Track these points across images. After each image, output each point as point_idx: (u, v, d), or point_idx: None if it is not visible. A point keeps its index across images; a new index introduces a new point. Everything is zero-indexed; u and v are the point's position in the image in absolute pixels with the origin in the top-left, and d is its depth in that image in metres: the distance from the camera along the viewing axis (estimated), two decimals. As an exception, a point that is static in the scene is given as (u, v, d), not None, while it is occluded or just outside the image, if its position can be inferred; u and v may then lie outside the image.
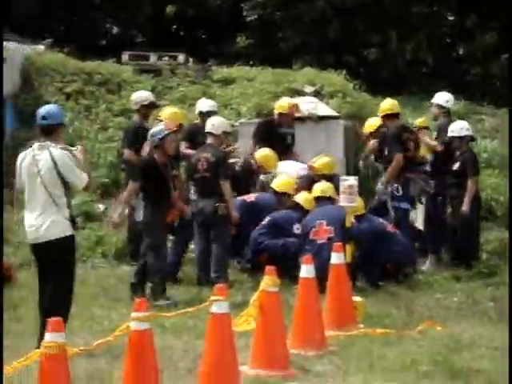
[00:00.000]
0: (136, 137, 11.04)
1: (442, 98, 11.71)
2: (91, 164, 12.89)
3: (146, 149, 9.99)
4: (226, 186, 9.88)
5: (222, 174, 9.90)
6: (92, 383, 6.38)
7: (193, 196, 10.23)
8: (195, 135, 11.20)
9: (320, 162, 10.99)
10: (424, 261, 11.02)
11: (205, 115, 11.40)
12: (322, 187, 10.33)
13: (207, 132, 10.25)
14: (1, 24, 12.77)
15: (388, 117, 11.20)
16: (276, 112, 11.80)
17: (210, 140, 10.21)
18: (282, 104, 11.81)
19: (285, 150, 11.59)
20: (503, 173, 12.91)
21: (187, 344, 7.45)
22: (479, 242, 11.06)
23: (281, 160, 11.33)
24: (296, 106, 11.91)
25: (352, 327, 7.98)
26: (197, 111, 11.77)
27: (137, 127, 11.21)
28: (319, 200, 10.25)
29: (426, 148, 11.46)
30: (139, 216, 9.53)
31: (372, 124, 11.52)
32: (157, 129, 9.47)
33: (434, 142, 11.42)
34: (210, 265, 9.85)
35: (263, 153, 11.27)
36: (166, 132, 9.37)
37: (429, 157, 11.43)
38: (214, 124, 10.28)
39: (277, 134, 11.56)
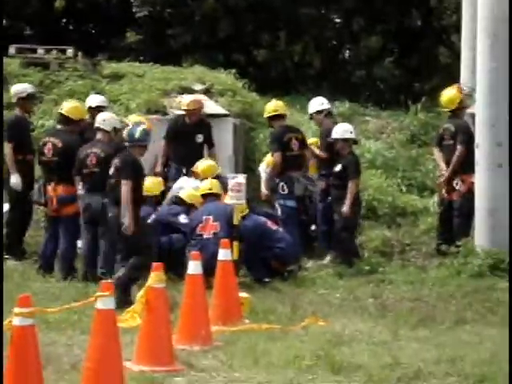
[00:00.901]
0: (15, 130, 10.98)
1: (316, 103, 11.91)
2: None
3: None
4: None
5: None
6: (-27, 380, 6.28)
7: (80, 191, 10.16)
8: (84, 131, 11.12)
9: (202, 167, 11.08)
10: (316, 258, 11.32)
11: (94, 110, 11.34)
12: (208, 185, 10.47)
13: (97, 127, 10.19)
14: (0, 24, 12.59)
15: (273, 118, 11.41)
16: (182, 110, 11.82)
17: (99, 136, 10.15)
18: (184, 101, 11.81)
19: (196, 149, 11.55)
20: (386, 173, 13.28)
21: (71, 339, 7.42)
22: (355, 241, 11.33)
23: (195, 160, 11.22)
24: (199, 102, 11.87)
25: (238, 323, 8.10)
26: (86, 106, 11.68)
27: (15, 120, 11.14)
28: (206, 197, 10.36)
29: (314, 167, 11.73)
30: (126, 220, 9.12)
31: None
32: (140, 129, 9.33)
33: (322, 153, 11.66)
34: (96, 261, 9.81)
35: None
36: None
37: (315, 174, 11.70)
38: (104, 120, 10.24)
39: (185, 133, 11.54)
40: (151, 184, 10.68)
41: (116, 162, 9.31)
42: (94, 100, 11.77)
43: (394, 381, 6.52)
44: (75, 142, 10.34)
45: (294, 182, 11.10)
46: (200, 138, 11.73)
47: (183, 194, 10.57)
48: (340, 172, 11.15)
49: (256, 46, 17.77)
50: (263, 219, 10.43)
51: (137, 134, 9.30)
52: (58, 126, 10.66)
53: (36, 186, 10.78)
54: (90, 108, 11.54)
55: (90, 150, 10.03)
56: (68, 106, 10.60)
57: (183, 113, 11.96)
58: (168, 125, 11.86)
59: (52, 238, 10.32)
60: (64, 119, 10.46)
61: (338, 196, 11.14)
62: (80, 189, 10.15)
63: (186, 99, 11.93)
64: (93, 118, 11.08)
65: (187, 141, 11.51)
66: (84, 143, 10.60)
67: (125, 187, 8.99)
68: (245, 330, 7.91)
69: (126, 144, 9.38)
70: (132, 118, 11.41)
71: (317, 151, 11.72)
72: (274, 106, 11.61)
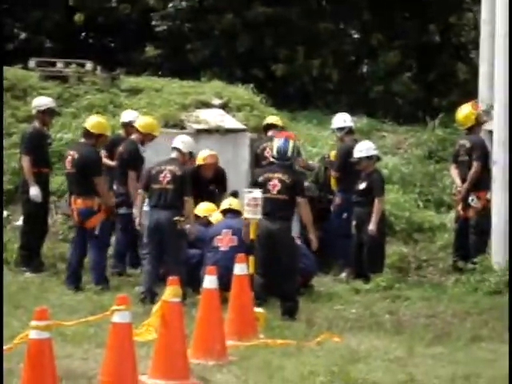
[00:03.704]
0: (32, 143, 11.10)
1: (339, 120, 12.09)
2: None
3: None
4: (190, 203, 9.88)
5: (187, 190, 9.85)
6: (-10, 392, 6.32)
7: (145, 207, 10.16)
8: (115, 146, 11.22)
9: (142, 122, 11.23)
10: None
11: (127, 126, 11.47)
12: (230, 201, 10.55)
13: (174, 147, 10.12)
14: (0, 28, 12.70)
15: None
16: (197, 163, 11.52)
17: (174, 155, 10.08)
18: (201, 155, 11.49)
19: (208, 196, 11.27)
20: (403, 189, 13.28)
21: (87, 353, 7.45)
22: (384, 258, 11.34)
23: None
24: (215, 156, 11.57)
25: (253, 338, 8.10)
26: (121, 121, 11.74)
27: (33, 133, 11.26)
28: (226, 213, 10.42)
29: (334, 181, 11.85)
30: None
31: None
32: (292, 145, 9.41)
33: (334, 173, 11.87)
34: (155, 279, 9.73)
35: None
36: None
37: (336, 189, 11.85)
38: (183, 142, 10.22)
39: (199, 185, 11.11)
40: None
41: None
42: (126, 116, 11.86)
43: (408, 398, 6.52)
44: (90, 155, 10.40)
45: None
46: (213, 187, 11.56)
47: (198, 210, 10.62)
48: (365, 190, 11.14)
49: (274, 60, 17.79)
50: None
51: (289, 152, 9.35)
52: (81, 140, 10.76)
53: (64, 198, 10.93)
54: (123, 123, 11.66)
55: (165, 166, 9.93)
56: (91, 121, 10.70)
57: (198, 163, 11.50)
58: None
59: (77, 248, 10.40)
60: (85, 133, 10.57)
61: (362, 214, 11.13)
62: (145, 204, 10.16)
63: (202, 153, 11.53)
64: (126, 133, 11.23)
65: (201, 192, 11.06)
66: (110, 157, 10.80)
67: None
68: (260, 346, 7.91)
69: (274, 161, 9.38)
70: (143, 119, 11.46)
71: (333, 173, 11.85)
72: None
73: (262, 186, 9.25)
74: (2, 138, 12.64)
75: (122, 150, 11.15)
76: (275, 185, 9.24)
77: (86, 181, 10.25)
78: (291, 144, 9.42)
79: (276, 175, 9.29)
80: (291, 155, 9.42)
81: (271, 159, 9.64)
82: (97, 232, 10.27)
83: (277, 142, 9.48)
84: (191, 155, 10.50)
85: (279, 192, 9.23)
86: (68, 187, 10.72)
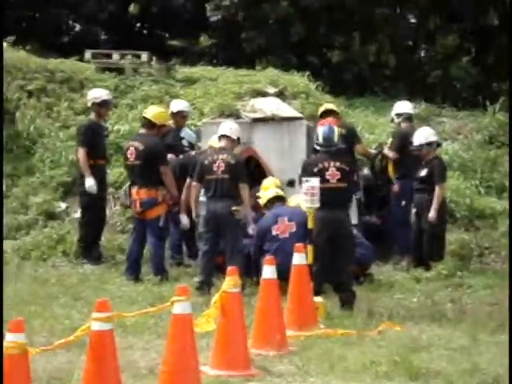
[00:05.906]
0: (88, 135, 11.12)
1: (398, 106, 12.06)
2: (52, 162, 12.94)
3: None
4: (246, 190, 9.79)
5: (242, 177, 9.78)
6: (52, 383, 6.35)
7: (202, 198, 10.11)
8: (164, 135, 11.17)
9: (152, 112, 10.62)
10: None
11: (176, 115, 11.41)
12: (275, 190, 10.45)
13: (223, 135, 10.00)
14: (1, 24, 12.86)
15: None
16: None
17: (223, 143, 9.98)
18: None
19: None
20: (463, 175, 13.08)
21: (148, 343, 7.45)
22: (445, 246, 11.17)
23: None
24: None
25: (313, 328, 8.03)
26: (169, 111, 11.73)
27: (88, 125, 11.30)
28: (273, 202, 10.30)
29: (392, 168, 11.72)
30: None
31: None
32: (338, 133, 9.24)
33: (392, 154, 11.69)
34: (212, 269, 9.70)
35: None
36: None
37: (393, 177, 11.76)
38: (231, 128, 10.10)
39: None
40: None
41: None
42: (176, 105, 11.83)
43: (473, 387, 6.41)
44: (157, 146, 10.37)
45: None
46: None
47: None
48: (425, 177, 10.99)
49: (330, 47, 17.63)
50: None
51: (335, 138, 9.18)
52: (141, 131, 10.71)
53: (122, 189, 10.92)
54: (171, 113, 11.61)
55: (217, 156, 9.82)
56: (152, 111, 10.64)
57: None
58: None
59: (137, 239, 10.41)
60: (147, 123, 10.51)
61: (423, 201, 10.97)
62: (202, 195, 10.09)
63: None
64: (175, 123, 11.14)
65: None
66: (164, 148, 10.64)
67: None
68: (320, 335, 7.83)
69: (320, 149, 9.12)
70: None
71: (389, 153, 11.69)
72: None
73: (319, 175, 9.07)
74: (2, 130, 12.66)
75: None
76: (334, 174, 9.08)
77: (151, 172, 10.20)
78: (336, 130, 9.28)
79: (333, 163, 9.08)
80: (337, 141, 9.27)
81: (316, 147, 9.32)
82: (161, 224, 10.27)
83: (321, 130, 9.31)
84: (239, 141, 10.38)
85: (339, 180, 9.09)
86: (130, 178, 10.61)
